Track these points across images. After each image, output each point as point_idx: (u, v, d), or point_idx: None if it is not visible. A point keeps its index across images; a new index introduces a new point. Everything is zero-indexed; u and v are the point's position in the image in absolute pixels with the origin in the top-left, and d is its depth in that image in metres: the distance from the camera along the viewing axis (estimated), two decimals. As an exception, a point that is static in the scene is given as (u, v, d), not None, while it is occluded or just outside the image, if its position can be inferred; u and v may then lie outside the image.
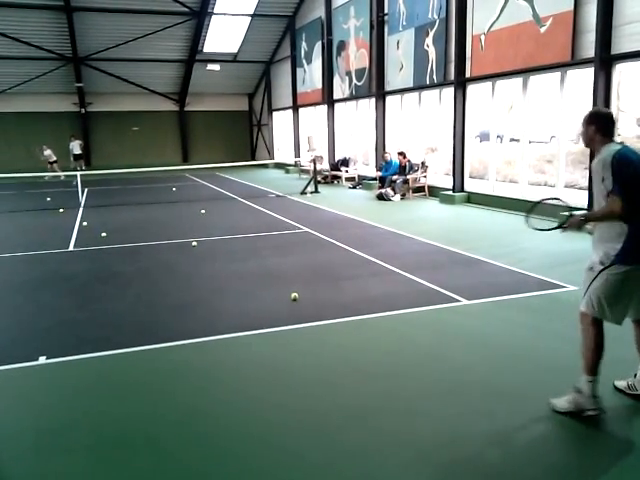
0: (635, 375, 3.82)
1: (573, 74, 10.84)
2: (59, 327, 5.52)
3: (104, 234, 10.18)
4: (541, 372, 4.25)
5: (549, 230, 3.89)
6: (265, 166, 26.81)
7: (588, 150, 10.13)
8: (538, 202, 4.36)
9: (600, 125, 3.55)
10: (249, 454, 3.31)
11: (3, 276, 7.63)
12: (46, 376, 4.48)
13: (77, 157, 24.33)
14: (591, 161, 3.63)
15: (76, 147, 24.39)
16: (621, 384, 3.88)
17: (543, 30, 11.02)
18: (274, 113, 27.98)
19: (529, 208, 4.32)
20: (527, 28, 11.40)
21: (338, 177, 19.45)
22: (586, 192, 10.31)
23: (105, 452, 3.37)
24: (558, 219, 3.99)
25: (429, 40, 14.63)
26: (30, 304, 6.31)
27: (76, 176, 15.96)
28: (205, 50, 25.49)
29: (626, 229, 3.41)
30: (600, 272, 3.49)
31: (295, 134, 24.89)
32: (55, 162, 22.76)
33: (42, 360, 4.68)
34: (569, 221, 3.60)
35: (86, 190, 17.23)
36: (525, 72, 11.76)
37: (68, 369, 4.56)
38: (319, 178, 17.94)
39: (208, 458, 3.28)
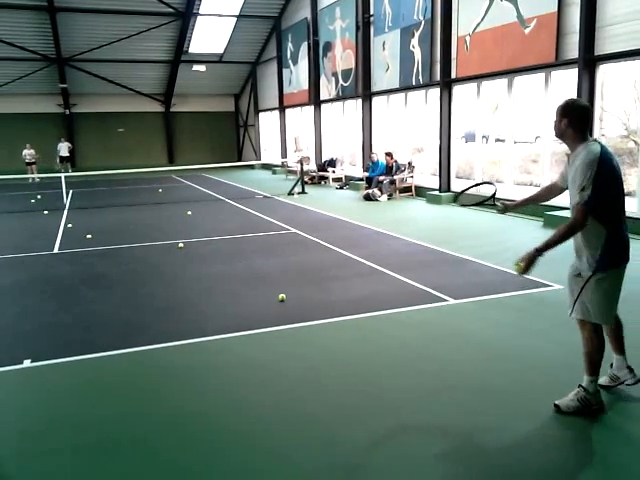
0: (611, 365, 3.88)
1: (557, 75, 10.94)
2: (44, 330, 5.47)
3: (89, 236, 10.11)
4: (526, 371, 4.27)
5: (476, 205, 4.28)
6: (252, 167, 26.76)
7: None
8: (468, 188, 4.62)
9: (574, 119, 3.38)
10: (236, 454, 3.30)
11: (-13, 279, 7.55)
12: (31, 379, 4.43)
13: (63, 159, 24.11)
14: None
15: (63, 149, 24.17)
16: (604, 380, 3.90)
17: (527, 31, 11.11)
18: (260, 114, 27.94)
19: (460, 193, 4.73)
20: (511, 29, 11.49)
21: (325, 178, 19.45)
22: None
23: (91, 454, 3.34)
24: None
25: (415, 41, 14.69)
26: (15, 307, 6.25)
27: (60, 178, 15.83)
28: (191, 51, 25.40)
29: (605, 233, 3.38)
30: (590, 278, 3.43)
31: (282, 135, 24.87)
32: (33, 164, 22.42)
33: (27, 363, 4.63)
34: (522, 265, 3.41)
35: (71, 192, 17.09)
36: (510, 73, 11.85)
37: (53, 372, 4.52)
38: (306, 179, 17.94)
39: (194, 458, 3.26)
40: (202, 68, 25.70)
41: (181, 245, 9.12)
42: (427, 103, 15.03)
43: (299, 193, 16.10)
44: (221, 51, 25.92)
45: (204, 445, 3.41)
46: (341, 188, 17.69)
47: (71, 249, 9.19)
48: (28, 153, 22.30)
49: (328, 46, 19.70)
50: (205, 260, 8.24)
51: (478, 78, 12.79)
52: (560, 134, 3.50)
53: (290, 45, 23.01)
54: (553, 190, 3.89)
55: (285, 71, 23.87)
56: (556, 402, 3.67)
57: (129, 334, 5.29)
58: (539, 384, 4.04)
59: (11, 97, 25.52)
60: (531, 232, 9.68)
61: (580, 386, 3.63)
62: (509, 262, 7.40)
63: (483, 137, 13.28)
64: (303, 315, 5.62)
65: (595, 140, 3.44)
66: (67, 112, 26.74)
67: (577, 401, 3.60)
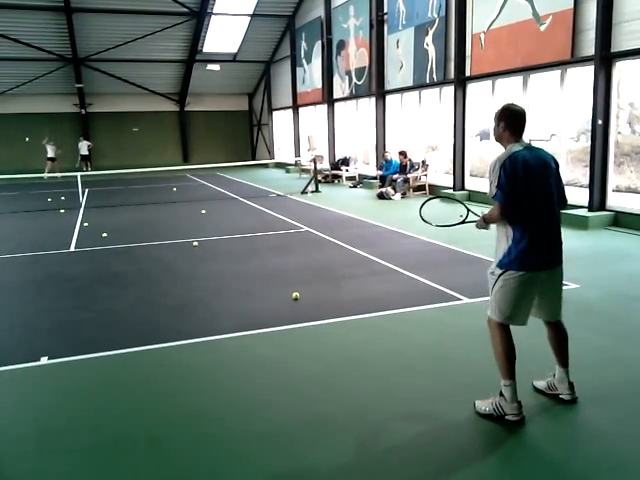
0: (554, 375, 3.84)
1: (573, 72, 10.84)
2: (61, 328, 5.53)
3: (105, 234, 10.19)
4: (542, 371, 4.23)
5: (453, 225, 4.10)
6: (265, 166, 26.82)
7: (589, 148, 10.21)
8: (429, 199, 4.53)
9: (510, 122, 3.47)
10: (250, 454, 3.31)
11: (5, 277, 7.64)
12: (48, 376, 4.49)
13: (83, 157, 24.35)
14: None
15: (83, 148, 24.42)
16: (541, 384, 3.90)
17: (543, 28, 11.01)
18: (274, 113, 27.99)
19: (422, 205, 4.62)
20: (527, 26, 11.40)
21: (339, 176, 19.45)
22: (587, 190, 10.32)
23: (106, 453, 3.37)
24: (459, 216, 4.05)
25: (429, 39, 14.63)
26: (32, 305, 6.32)
27: (76, 177, 15.98)
28: (205, 50, 25.49)
29: (511, 234, 3.41)
30: (499, 277, 3.52)
31: (295, 134, 24.90)
32: (54, 160, 22.58)
33: (44, 360, 4.69)
34: (477, 222, 3.62)
35: (87, 191, 17.24)
36: (525, 70, 11.75)
37: (70, 369, 4.57)
38: (319, 177, 17.94)
39: (209, 458, 3.28)
40: (216, 67, 25.78)
41: (196, 244, 9.17)
42: (441, 101, 14.96)
43: (312, 192, 16.11)
44: (235, 50, 25.99)
45: (218, 445, 3.42)
46: (354, 187, 17.67)
47: (87, 247, 9.27)
48: (52, 148, 22.43)
49: (342, 44, 19.68)
50: (219, 259, 8.28)
51: (493, 76, 12.70)
52: (498, 137, 3.56)
53: (304, 44, 23.02)
54: None
55: (299, 70, 23.88)
56: (476, 401, 3.64)
57: (144, 332, 5.33)
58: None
59: (28, 97, 25.80)
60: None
61: (499, 391, 3.55)
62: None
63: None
64: (317, 314, 5.62)
65: (523, 143, 3.46)
66: (83, 112, 26.95)
67: (490, 406, 3.54)
